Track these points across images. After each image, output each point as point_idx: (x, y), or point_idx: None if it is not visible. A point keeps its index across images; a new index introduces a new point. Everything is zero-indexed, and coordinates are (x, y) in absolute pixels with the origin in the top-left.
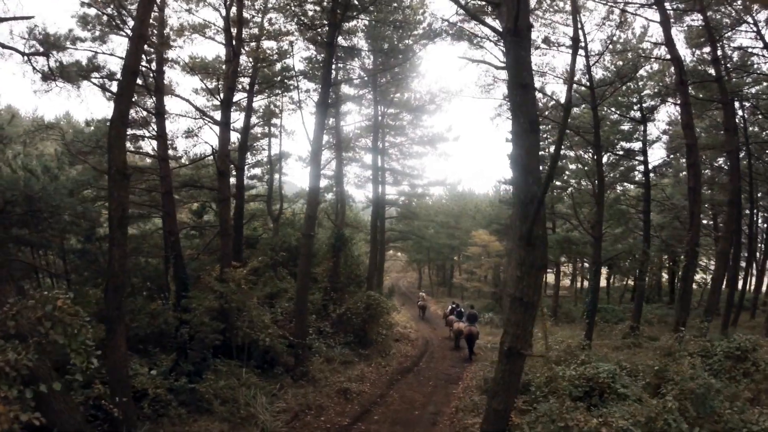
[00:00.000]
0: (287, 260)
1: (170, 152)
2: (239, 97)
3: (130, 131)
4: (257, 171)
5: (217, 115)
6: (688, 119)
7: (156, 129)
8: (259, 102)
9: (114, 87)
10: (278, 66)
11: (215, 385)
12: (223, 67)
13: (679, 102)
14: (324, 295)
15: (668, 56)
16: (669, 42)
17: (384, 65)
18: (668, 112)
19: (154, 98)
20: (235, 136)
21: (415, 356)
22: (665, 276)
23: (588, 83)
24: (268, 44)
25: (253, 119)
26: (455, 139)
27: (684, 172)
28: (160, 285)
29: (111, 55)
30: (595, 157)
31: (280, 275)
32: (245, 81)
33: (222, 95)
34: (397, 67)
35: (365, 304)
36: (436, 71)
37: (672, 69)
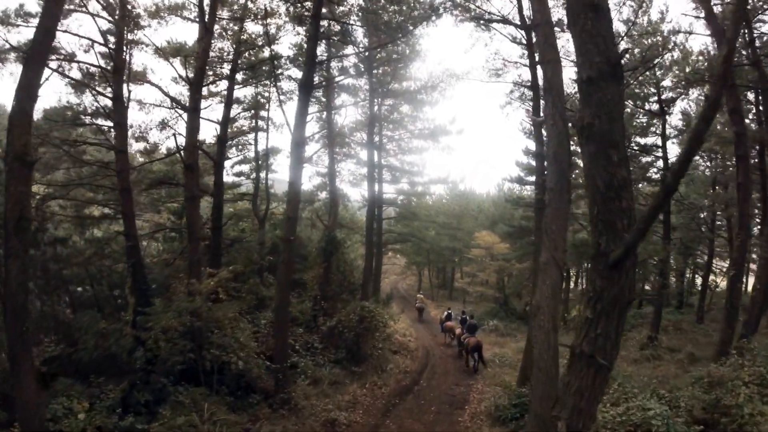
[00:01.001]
0: (275, 264)
1: (139, 145)
2: (221, 87)
3: (90, 120)
4: (245, 168)
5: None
6: (735, 103)
7: (113, 116)
8: (245, 92)
9: (75, 72)
10: (266, 52)
11: (172, 422)
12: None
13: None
14: (314, 304)
15: (698, 34)
16: (709, 15)
17: (380, 45)
18: (682, 106)
19: (111, 81)
20: (215, 128)
21: (414, 372)
22: (672, 279)
23: None
24: (253, 29)
25: (238, 110)
26: (459, 132)
27: (695, 170)
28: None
29: (65, 31)
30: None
31: (266, 281)
32: (227, 68)
33: (192, 77)
34: (396, 51)
35: (359, 316)
36: (438, 56)
37: (693, 57)
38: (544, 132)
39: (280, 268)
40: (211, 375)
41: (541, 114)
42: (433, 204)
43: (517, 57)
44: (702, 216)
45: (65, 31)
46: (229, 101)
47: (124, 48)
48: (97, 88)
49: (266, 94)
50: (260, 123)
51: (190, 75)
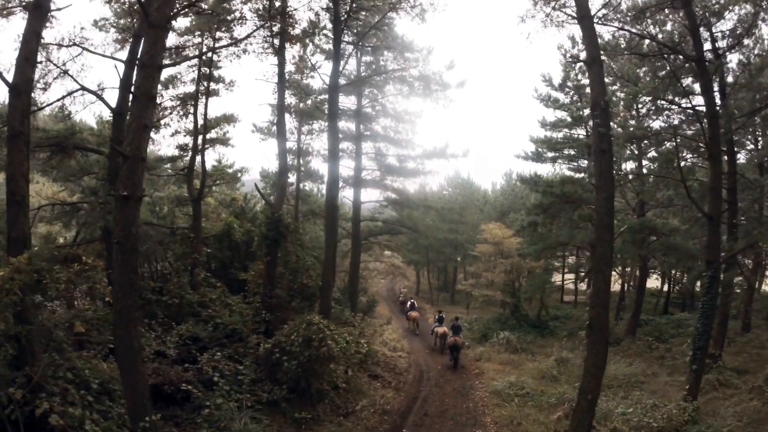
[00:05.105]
0: (230, 260)
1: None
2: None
3: None
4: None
5: None
6: None
7: None
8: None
9: None
10: None
11: None
12: None
13: None
14: (254, 315)
15: None
16: None
17: None
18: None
19: None
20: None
21: (398, 411)
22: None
23: None
24: None
25: (182, 68)
26: (459, 85)
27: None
28: None
29: None
30: (701, 84)
31: (199, 279)
32: None
33: None
34: None
35: (304, 337)
36: None
37: None
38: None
39: (115, 269)
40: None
41: None
42: (432, 195)
43: None
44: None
45: None
46: (138, 34)
47: None
48: None
49: (211, 43)
50: (213, 86)
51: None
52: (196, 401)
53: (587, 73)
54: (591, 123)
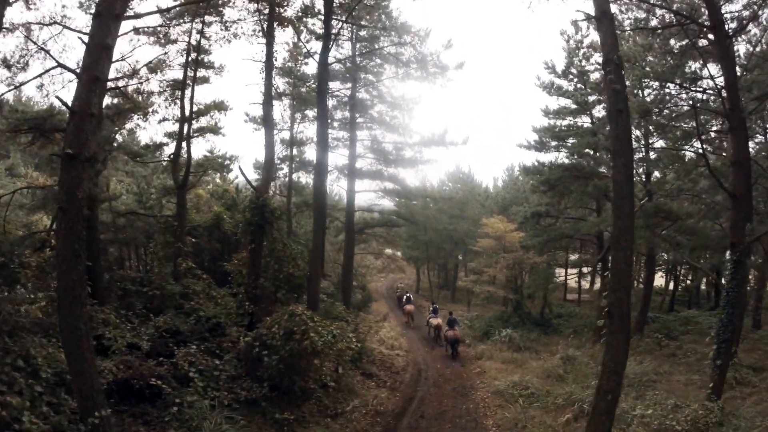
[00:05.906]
0: (219, 252)
1: None
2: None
3: None
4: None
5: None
6: None
7: None
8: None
9: None
10: None
11: None
12: None
13: None
14: (237, 307)
15: None
16: None
17: None
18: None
19: None
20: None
21: (392, 413)
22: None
23: None
24: None
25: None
26: (458, 66)
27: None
28: None
29: None
30: (719, 52)
31: (183, 269)
32: None
33: None
34: None
35: (285, 330)
36: None
37: None
38: None
39: (58, 239)
40: None
41: None
42: (432, 189)
43: None
44: None
45: None
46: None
47: None
48: None
49: (205, 31)
50: (203, 72)
51: None
52: (168, 398)
53: (597, 30)
54: (595, 111)
